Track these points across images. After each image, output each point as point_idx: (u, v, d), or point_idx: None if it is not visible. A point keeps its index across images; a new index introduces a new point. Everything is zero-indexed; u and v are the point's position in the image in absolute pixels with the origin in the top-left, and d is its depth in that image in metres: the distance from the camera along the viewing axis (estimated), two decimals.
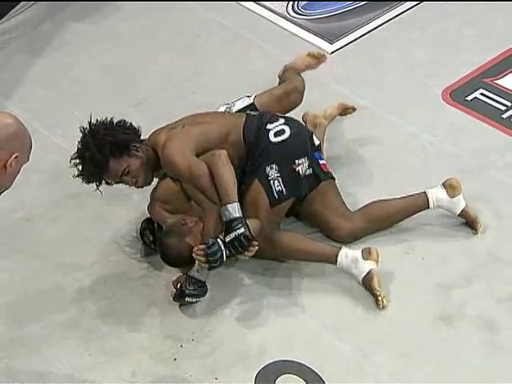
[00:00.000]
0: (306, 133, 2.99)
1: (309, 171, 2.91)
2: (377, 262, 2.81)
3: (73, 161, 2.84)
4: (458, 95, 3.49)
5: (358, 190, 3.12)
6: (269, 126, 2.91)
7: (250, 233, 2.71)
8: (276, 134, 2.90)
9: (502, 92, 3.48)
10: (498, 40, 3.68)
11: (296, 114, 3.13)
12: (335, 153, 3.27)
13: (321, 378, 2.61)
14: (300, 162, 2.89)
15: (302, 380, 2.62)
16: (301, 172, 2.89)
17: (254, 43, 3.76)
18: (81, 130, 2.85)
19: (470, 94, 3.48)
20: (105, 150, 2.79)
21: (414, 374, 2.62)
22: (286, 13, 3.92)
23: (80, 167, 2.84)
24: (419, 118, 3.41)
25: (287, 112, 3.09)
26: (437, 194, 2.96)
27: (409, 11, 3.86)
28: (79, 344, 2.73)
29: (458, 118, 3.41)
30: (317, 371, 2.62)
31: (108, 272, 2.93)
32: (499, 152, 3.27)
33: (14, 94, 3.52)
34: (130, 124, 2.90)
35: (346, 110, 3.33)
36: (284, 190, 2.86)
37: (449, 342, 2.69)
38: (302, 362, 2.64)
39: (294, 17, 3.90)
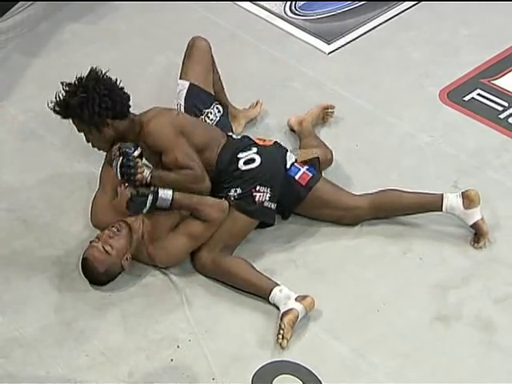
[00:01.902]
0: (278, 162, 2.97)
1: (268, 204, 2.91)
2: (307, 308, 2.73)
3: (63, 87, 2.88)
4: (455, 95, 3.49)
5: (355, 191, 3.10)
6: (240, 155, 2.95)
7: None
8: (246, 163, 2.95)
9: (499, 92, 3.49)
10: (496, 40, 3.69)
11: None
12: (333, 153, 3.27)
13: (317, 378, 2.62)
14: (261, 189, 2.91)
15: (298, 380, 2.62)
16: (257, 198, 2.89)
17: (251, 43, 3.76)
18: (95, 72, 2.90)
19: (467, 95, 3.49)
20: (89, 108, 2.84)
21: (411, 374, 2.63)
22: (283, 13, 3.92)
23: (63, 96, 2.87)
24: (416, 118, 3.41)
25: None
26: (452, 202, 2.93)
27: (406, 12, 3.86)
28: (76, 345, 2.73)
29: (454, 118, 3.41)
30: (313, 371, 2.63)
31: None
32: (496, 152, 3.28)
33: (11, 94, 3.51)
34: (127, 97, 2.94)
35: (325, 110, 3.35)
36: (237, 200, 2.89)
37: (446, 342, 2.70)
38: (298, 362, 2.65)
39: (291, 17, 3.90)
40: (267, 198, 2.91)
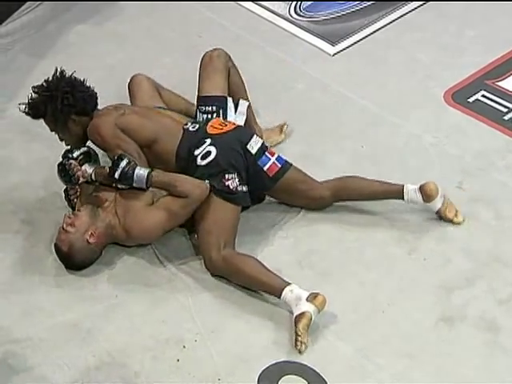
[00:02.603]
0: (236, 146, 2.97)
1: (240, 188, 2.94)
2: (319, 307, 2.72)
3: (31, 89, 3.02)
4: (459, 97, 3.49)
5: None
6: (196, 152, 2.96)
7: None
8: (203, 157, 2.95)
9: (503, 94, 3.49)
10: (500, 41, 3.68)
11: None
12: (338, 153, 3.29)
13: (323, 379, 2.62)
14: (229, 177, 2.93)
15: (304, 380, 2.63)
16: (231, 186, 2.92)
17: (256, 44, 3.76)
18: (59, 72, 3.04)
19: (471, 96, 3.49)
20: (52, 105, 2.98)
21: (416, 375, 2.63)
22: (287, 14, 3.92)
23: (30, 98, 3.02)
24: (421, 119, 3.42)
25: None
26: (412, 196, 2.99)
27: (411, 13, 3.86)
28: (82, 345, 2.74)
29: (459, 120, 3.41)
30: (319, 372, 2.63)
31: (111, 273, 2.94)
32: (500, 153, 3.28)
33: (18, 95, 3.51)
34: (91, 94, 3.05)
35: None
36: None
37: (450, 343, 2.70)
38: (304, 362, 2.65)
39: (295, 18, 3.90)
40: (238, 183, 2.93)
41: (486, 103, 3.46)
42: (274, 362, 2.68)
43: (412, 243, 2.98)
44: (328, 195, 3.05)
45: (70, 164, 2.97)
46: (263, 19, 3.91)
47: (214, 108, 3.13)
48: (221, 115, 3.12)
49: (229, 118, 3.12)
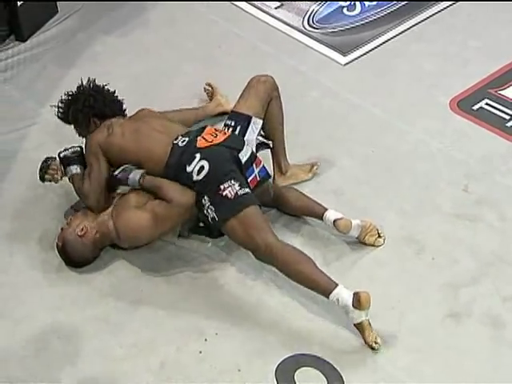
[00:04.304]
0: (228, 156, 2.83)
1: (243, 191, 2.77)
2: (366, 307, 2.62)
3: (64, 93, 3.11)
4: (464, 105, 3.48)
5: (372, 193, 3.12)
6: (188, 169, 2.82)
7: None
8: (198, 172, 2.80)
9: (506, 102, 3.47)
10: (502, 52, 3.66)
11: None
12: (349, 158, 3.28)
13: (337, 370, 2.61)
14: (225, 185, 2.77)
15: (319, 372, 2.62)
16: (229, 195, 2.76)
17: (271, 54, 3.75)
18: (89, 80, 3.10)
19: (475, 104, 3.47)
20: (74, 106, 3.06)
21: (425, 368, 2.62)
22: (301, 26, 3.91)
23: (62, 99, 3.10)
24: (428, 126, 3.40)
25: None
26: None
27: (418, 25, 3.85)
28: (111, 337, 2.74)
29: (464, 126, 3.40)
30: (333, 364, 2.62)
31: (136, 269, 2.94)
32: (503, 158, 3.26)
33: (49, 101, 3.51)
34: (114, 100, 3.08)
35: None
36: (216, 216, 2.78)
37: (457, 338, 2.69)
38: (319, 355, 2.64)
39: (309, 30, 3.89)
40: (237, 188, 2.77)
41: (489, 111, 3.44)
42: (290, 354, 2.67)
43: (421, 244, 2.96)
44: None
45: (49, 165, 3.00)
46: (278, 31, 3.90)
47: (233, 123, 2.98)
48: (237, 131, 2.97)
49: (246, 137, 2.95)
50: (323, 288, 2.68)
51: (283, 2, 4.01)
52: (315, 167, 3.19)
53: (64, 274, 2.92)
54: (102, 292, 2.87)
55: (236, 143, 2.90)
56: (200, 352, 2.69)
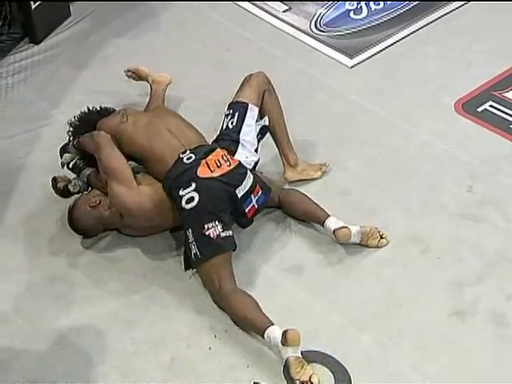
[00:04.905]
0: (222, 195, 2.77)
1: (225, 234, 2.74)
2: (295, 345, 2.54)
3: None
4: (469, 107, 3.48)
5: (378, 193, 3.13)
6: (181, 192, 2.77)
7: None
8: (187, 201, 2.76)
9: (509, 104, 3.47)
10: (506, 55, 3.67)
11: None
12: (356, 159, 3.28)
13: (344, 367, 2.62)
14: (210, 226, 2.73)
15: (326, 369, 2.62)
16: (212, 235, 2.72)
17: (278, 57, 3.76)
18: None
19: (480, 106, 3.47)
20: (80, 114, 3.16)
21: (431, 365, 2.63)
22: (308, 29, 3.92)
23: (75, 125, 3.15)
24: (433, 128, 3.40)
25: None
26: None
27: (423, 29, 3.85)
28: (122, 333, 2.75)
29: (468, 128, 3.40)
30: (340, 360, 2.63)
31: (147, 267, 2.95)
32: (507, 159, 3.26)
33: (61, 103, 3.54)
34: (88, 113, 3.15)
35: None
36: (198, 253, 2.75)
37: (462, 336, 2.69)
38: (326, 352, 2.65)
39: (316, 33, 3.90)
40: (220, 230, 2.74)
41: (493, 113, 3.44)
42: None
43: (426, 243, 2.97)
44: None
45: (55, 180, 3.07)
46: (286, 34, 3.91)
47: (231, 111, 2.98)
48: (235, 118, 2.95)
49: (245, 123, 2.96)
50: (259, 327, 2.63)
51: (291, 6, 4.02)
52: (325, 167, 3.18)
53: (77, 272, 2.94)
54: (115, 289, 2.88)
55: (236, 178, 2.82)
56: (210, 348, 2.70)
